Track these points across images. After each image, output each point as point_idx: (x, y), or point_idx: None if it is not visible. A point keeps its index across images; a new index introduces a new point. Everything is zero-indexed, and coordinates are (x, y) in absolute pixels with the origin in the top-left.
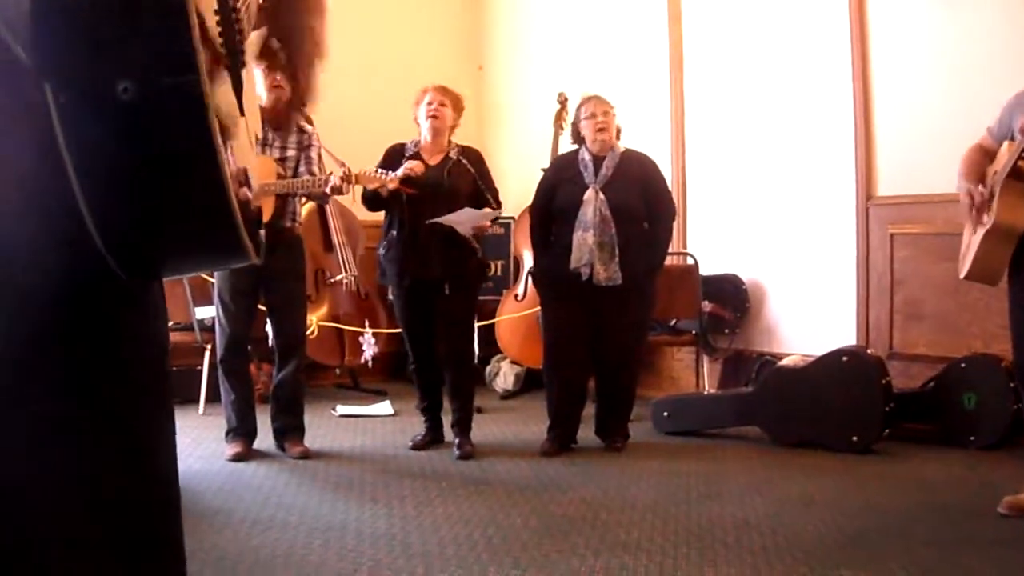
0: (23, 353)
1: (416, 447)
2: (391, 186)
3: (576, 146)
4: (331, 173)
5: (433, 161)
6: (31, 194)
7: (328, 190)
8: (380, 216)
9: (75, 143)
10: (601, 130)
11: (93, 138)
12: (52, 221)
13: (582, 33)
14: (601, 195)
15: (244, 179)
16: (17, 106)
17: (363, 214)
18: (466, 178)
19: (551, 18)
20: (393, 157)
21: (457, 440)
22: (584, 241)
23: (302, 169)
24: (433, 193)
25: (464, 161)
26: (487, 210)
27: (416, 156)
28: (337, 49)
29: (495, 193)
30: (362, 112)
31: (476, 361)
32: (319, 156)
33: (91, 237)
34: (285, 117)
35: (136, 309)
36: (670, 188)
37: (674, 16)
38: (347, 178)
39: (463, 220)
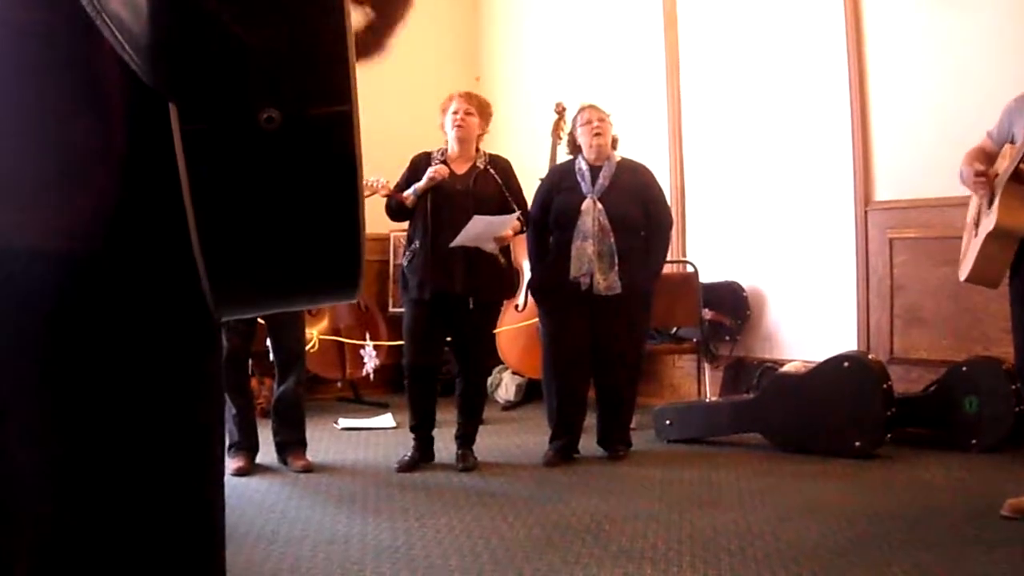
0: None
1: (402, 469)
2: (382, 194)
3: (572, 156)
4: None
5: (460, 170)
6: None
7: None
8: (379, 228)
9: (199, 171)
10: (597, 135)
11: (223, 168)
12: (143, 246)
13: (579, 43)
14: (599, 205)
15: None
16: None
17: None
18: (492, 187)
19: (548, 28)
20: (419, 166)
21: (460, 452)
22: (583, 251)
23: None
24: (459, 203)
25: (491, 170)
26: (503, 217)
27: (443, 165)
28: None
29: (523, 203)
30: (362, 124)
31: None
32: None
33: (171, 264)
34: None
35: (206, 341)
36: (668, 196)
37: (670, 24)
38: None
39: (481, 232)
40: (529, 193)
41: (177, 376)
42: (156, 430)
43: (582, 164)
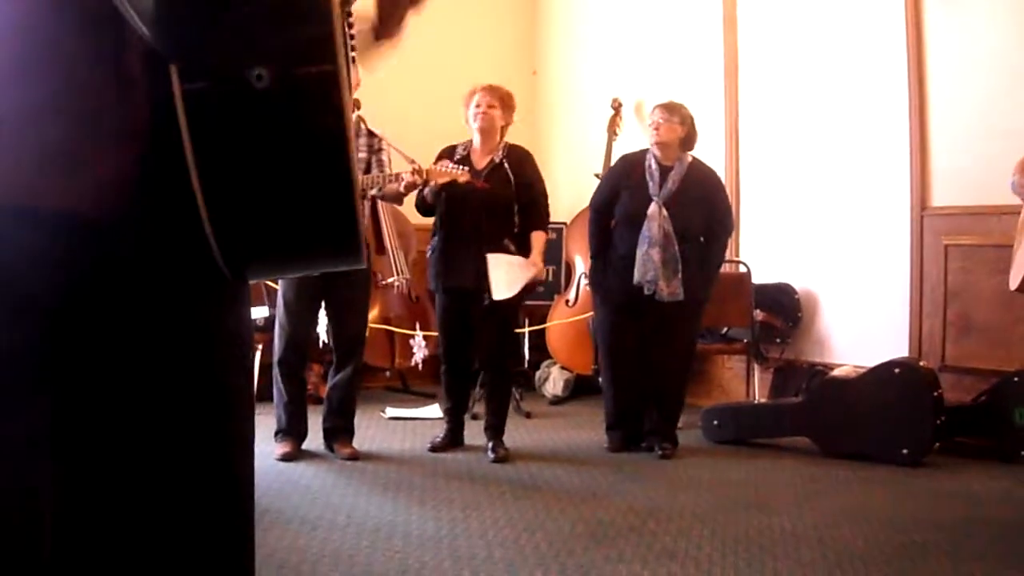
0: (118, 349)
1: (434, 449)
2: (462, 180)
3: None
4: (403, 171)
5: (481, 163)
6: (136, 187)
7: (402, 188)
8: (432, 220)
9: (198, 130)
10: (659, 138)
11: (219, 126)
12: (156, 214)
13: (637, 39)
14: (664, 211)
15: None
16: (117, 85)
17: (415, 218)
18: (504, 186)
19: (606, 23)
20: (443, 160)
21: (491, 444)
22: (649, 257)
23: (375, 172)
24: (470, 200)
25: (505, 164)
26: (516, 259)
27: (466, 159)
28: (394, 54)
29: (535, 194)
30: (419, 115)
31: (525, 366)
32: (390, 159)
33: (192, 230)
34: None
35: (229, 306)
36: None
37: (729, 22)
38: (419, 173)
39: (506, 270)
40: (584, 188)
41: (198, 339)
42: (179, 396)
43: (652, 161)
